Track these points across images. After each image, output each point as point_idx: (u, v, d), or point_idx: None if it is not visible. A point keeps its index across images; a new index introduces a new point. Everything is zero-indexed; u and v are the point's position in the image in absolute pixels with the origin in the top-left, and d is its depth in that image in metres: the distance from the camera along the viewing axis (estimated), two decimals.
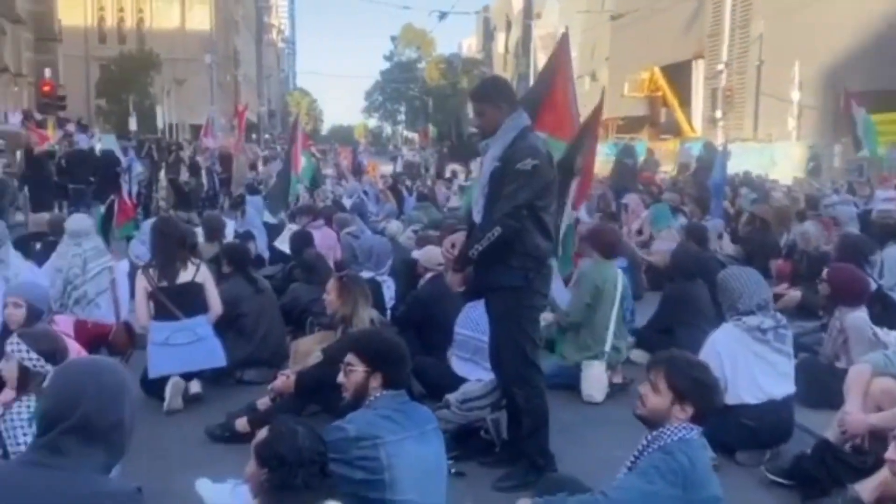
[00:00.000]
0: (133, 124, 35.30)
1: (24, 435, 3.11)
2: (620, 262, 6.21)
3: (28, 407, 3.15)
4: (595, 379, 5.09)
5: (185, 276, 5.08)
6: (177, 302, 4.98)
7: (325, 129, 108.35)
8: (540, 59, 40.44)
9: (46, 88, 24.64)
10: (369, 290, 4.65)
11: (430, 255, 5.51)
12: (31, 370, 3.19)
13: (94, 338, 5.36)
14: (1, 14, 37.75)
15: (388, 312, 5.47)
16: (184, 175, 16.87)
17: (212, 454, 4.27)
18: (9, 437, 3.10)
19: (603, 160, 17.87)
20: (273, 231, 9.56)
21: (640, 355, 5.81)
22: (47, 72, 31.69)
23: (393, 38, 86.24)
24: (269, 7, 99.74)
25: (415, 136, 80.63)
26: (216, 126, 48.17)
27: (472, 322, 4.59)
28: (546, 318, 5.40)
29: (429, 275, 5.48)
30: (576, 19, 38.55)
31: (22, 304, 4.05)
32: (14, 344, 3.18)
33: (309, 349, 4.84)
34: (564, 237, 5.25)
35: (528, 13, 57.09)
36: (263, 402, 4.55)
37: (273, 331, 5.68)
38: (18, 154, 15.43)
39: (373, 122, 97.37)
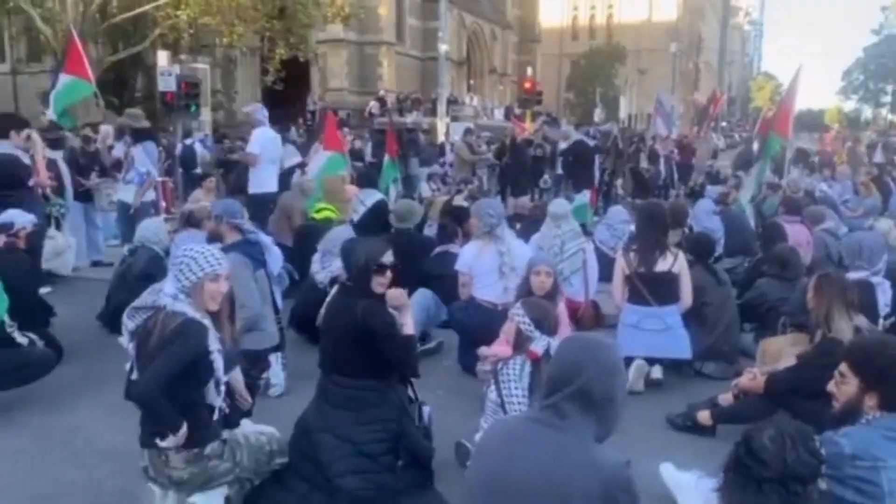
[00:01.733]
0: (597, 115, 37.32)
1: (516, 388, 3.58)
2: None
3: (520, 365, 3.60)
4: None
5: (662, 265, 5.18)
6: (651, 289, 5.12)
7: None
8: None
9: (528, 85, 27.47)
10: (855, 293, 4.12)
11: None
12: (523, 333, 3.65)
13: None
14: (494, 21, 43.43)
15: (881, 321, 4.75)
16: (643, 163, 17.30)
17: (672, 441, 4.32)
18: (505, 387, 3.60)
19: None
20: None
21: None
22: (528, 70, 35.38)
23: (884, 9, 75.15)
24: None
25: None
26: (674, 115, 48.01)
27: None
28: None
29: None
30: None
31: (552, 273, 4.62)
32: (516, 308, 3.67)
33: (779, 350, 4.54)
34: None
35: None
36: (726, 398, 4.43)
37: (733, 325, 5.50)
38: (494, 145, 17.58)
39: (849, 105, 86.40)
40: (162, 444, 2.93)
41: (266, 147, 8.36)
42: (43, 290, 6.36)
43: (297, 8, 21.66)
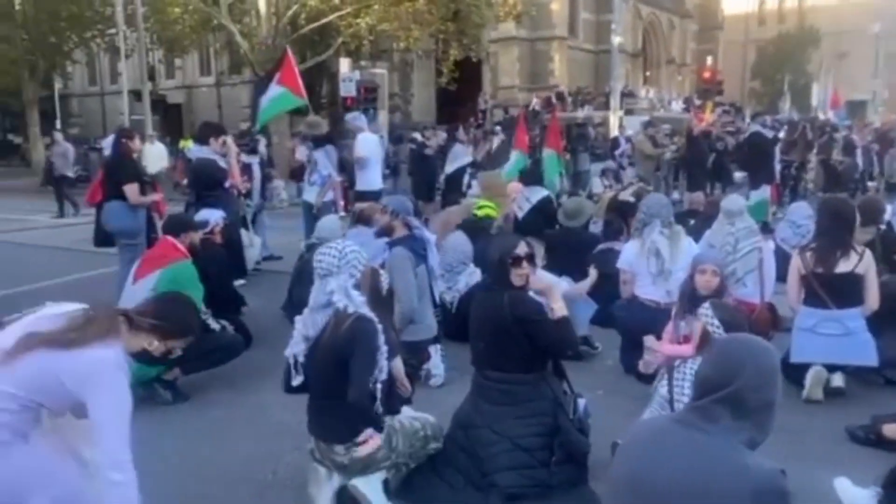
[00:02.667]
0: (786, 104, 34.74)
1: (689, 388, 3.48)
2: None
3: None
4: None
5: (844, 266, 4.73)
6: (830, 290, 4.72)
7: None
8: None
9: (707, 75, 26.20)
10: None
11: None
12: (710, 334, 3.53)
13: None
14: (672, 11, 41.72)
15: None
16: (836, 154, 15.92)
17: (851, 454, 3.98)
18: (678, 385, 3.52)
19: None
20: None
21: None
22: (709, 59, 33.66)
23: None
24: None
25: None
26: (877, 100, 43.43)
27: None
28: None
29: None
30: None
31: (718, 272, 4.46)
32: (704, 308, 3.62)
33: None
34: None
35: None
36: None
37: None
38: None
39: None
40: (357, 453, 3.19)
41: (370, 149, 9.06)
42: (237, 282, 7.03)
43: (470, 9, 22.10)
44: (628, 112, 25.46)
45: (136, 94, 23.98)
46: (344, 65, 20.06)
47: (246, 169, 8.80)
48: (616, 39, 23.54)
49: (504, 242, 3.64)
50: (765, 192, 11.37)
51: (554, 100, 26.33)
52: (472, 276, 5.90)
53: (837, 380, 4.70)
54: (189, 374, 4.94)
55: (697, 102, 28.64)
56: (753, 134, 12.66)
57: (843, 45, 50.81)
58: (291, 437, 4.03)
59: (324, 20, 21.05)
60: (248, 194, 8.75)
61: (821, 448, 4.04)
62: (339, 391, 3.08)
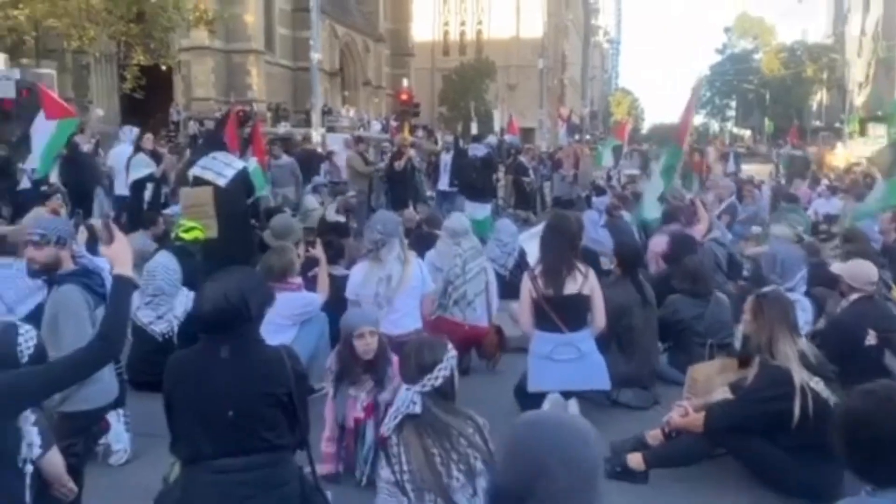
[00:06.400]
0: (475, 129, 37.37)
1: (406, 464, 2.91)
2: None
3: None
4: None
5: (571, 287, 4.48)
6: (561, 313, 4.45)
7: (645, 127, 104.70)
8: None
9: (405, 97, 27.08)
10: (795, 313, 3.75)
11: (859, 272, 4.41)
12: None
13: (469, 339, 5.23)
14: (367, 34, 42.83)
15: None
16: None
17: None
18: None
19: None
20: None
21: None
22: (405, 81, 34.96)
23: (727, 30, 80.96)
24: (598, 10, 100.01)
25: (746, 132, 74.56)
26: (543, 129, 49.03)
27: None
28: None
29: (854, 296, 4.38)
30: None
31: (377, 332, 3.87)
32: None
33: (709, 378, 4.11)
34: None
35: None
36: (655, 436, 3.94)
37: (652, 348, 5.06)
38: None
39: (698, 119, 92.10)
40: None
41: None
42: None
43: (156, 11, 20.07)
44: (330, 130, 25.28)
45: None
46: None
47: None
48: (315, 56, 23.14)
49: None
50: (487, 209, 11.77)
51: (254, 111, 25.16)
52: (190, 298, 4.88)
53: (573, 407, 4.48)
54: None
55: (394, 124, 29.45)
56: (489, 153, 13.22)
57: (514, 78, 56.71)
58: None
59: None
60: None
61: None
62: None
